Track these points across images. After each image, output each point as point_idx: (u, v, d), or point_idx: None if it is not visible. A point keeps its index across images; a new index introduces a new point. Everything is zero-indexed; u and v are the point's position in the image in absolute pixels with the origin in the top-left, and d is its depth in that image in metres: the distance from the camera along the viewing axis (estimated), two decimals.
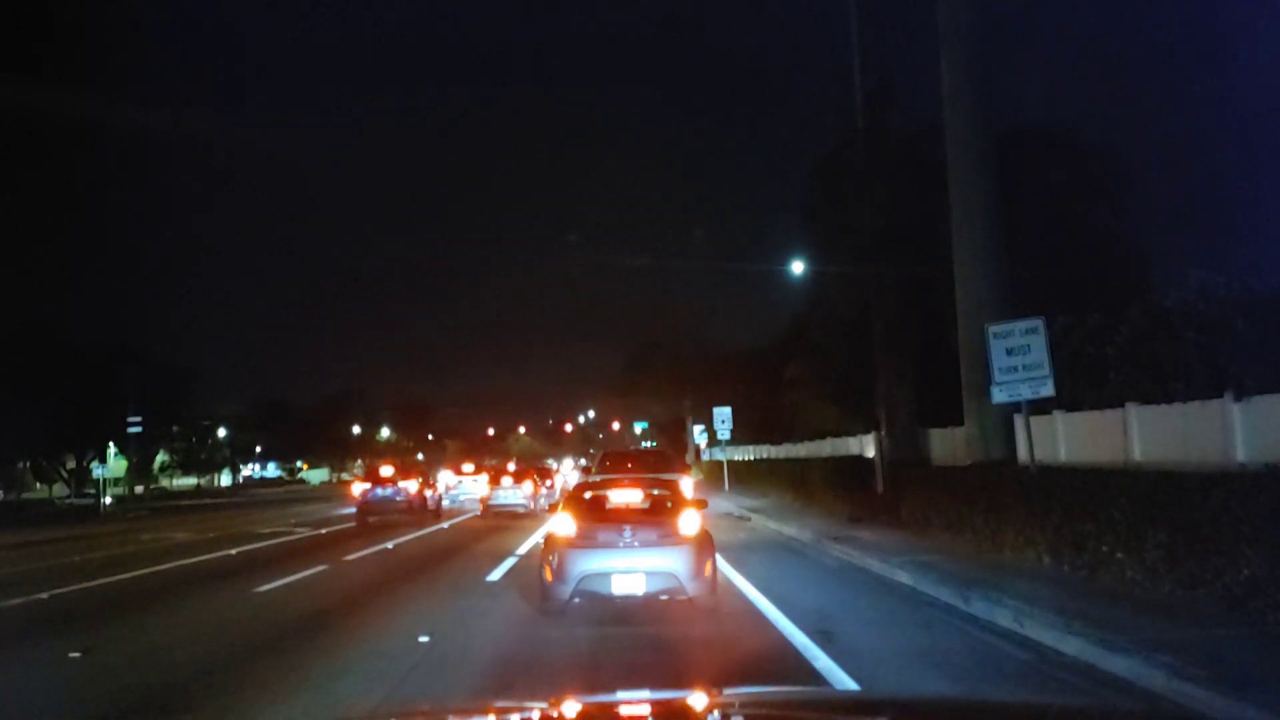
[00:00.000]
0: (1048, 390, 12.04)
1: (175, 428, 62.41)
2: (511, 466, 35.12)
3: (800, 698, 4.10)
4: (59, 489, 58.53)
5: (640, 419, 71.08)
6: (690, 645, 7.98)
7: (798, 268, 24.14)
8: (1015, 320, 12.48)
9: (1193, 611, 7.72)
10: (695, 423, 47.13)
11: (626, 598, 8.63)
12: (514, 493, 26.80)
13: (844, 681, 6.44)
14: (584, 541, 8.77)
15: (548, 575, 8.86)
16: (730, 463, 36.97)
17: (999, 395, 12.34)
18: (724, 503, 26.37)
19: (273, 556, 16.78)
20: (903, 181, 19.41)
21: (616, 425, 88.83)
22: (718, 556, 9.61)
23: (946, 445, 18.65)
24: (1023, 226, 16.56)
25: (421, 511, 25.16)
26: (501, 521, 23.30)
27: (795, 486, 26.31)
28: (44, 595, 12.18)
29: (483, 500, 26.84)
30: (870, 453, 22.41)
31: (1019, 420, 12.90)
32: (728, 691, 3.62)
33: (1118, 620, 7.41)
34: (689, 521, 8.93)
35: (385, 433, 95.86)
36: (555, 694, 3.53)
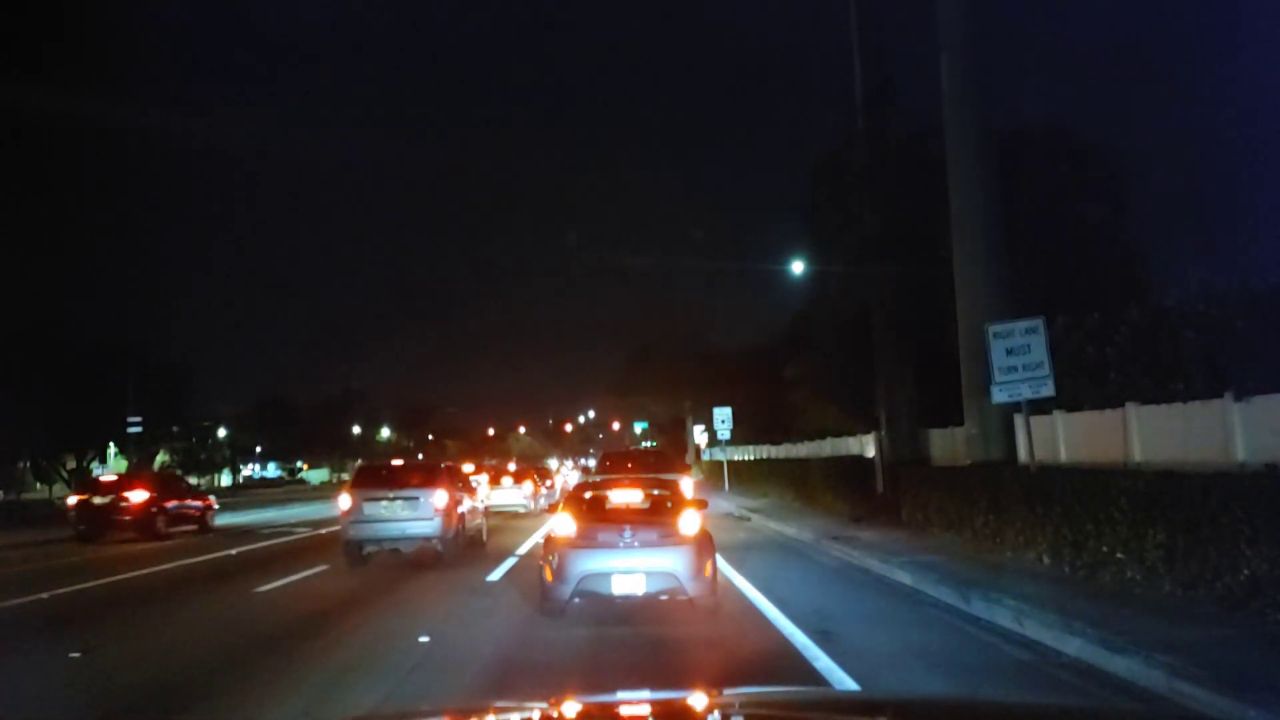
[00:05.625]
0: (1048, 390, 12.04)
1: (175, 428, 62.33)
2: (512, 466, 35.13)
3: (800, 698, 4.09)
4: (59, 489, 58.51)
5: (640, 419, 71.07)
6: (690, 645, 7.98)
7: (798, 268, 24.12)
8: (1015, 320, 12.48)
9: (1193, 611, 7.72)
10: (695, 423, 47.13)
11: (626, 598, 8.63)
12: (514, 493, 26.81)
13: (844, 681, 6.44)
14: (584, 541, 8.77)
15: (548, 575, 8.86)
16: (730, 463, 36.98)
17: (999, 395, 12.34)
18: (724, 503, 26.37)
19: (273, 556, 16.78)
20: (903, 181, 19.39)
21: (616, 425, 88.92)
22: (718, 556, 9.61)
23: (946, 445, 18.65)
24: (1023, 226, 16.55)
25: None
26: (502, 521, 23.28)
27: (795, 486, 26.32)
28: (44, 595, 12.18)
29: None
30: (870, 453, 22.40)
31: (1019, 420, 12.90)
32: (728, 691, 3.62)
33: (1118, 620, 7.41)
34: (689, 522, 8.93)
35: (385, 433, 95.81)
36: (555, 694, 3.52)
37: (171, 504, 23.13)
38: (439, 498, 14.41)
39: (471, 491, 17.42)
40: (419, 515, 14.23)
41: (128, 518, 21.58)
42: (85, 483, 25.66)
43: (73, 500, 23.19)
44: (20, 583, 13.51)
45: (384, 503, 14.31)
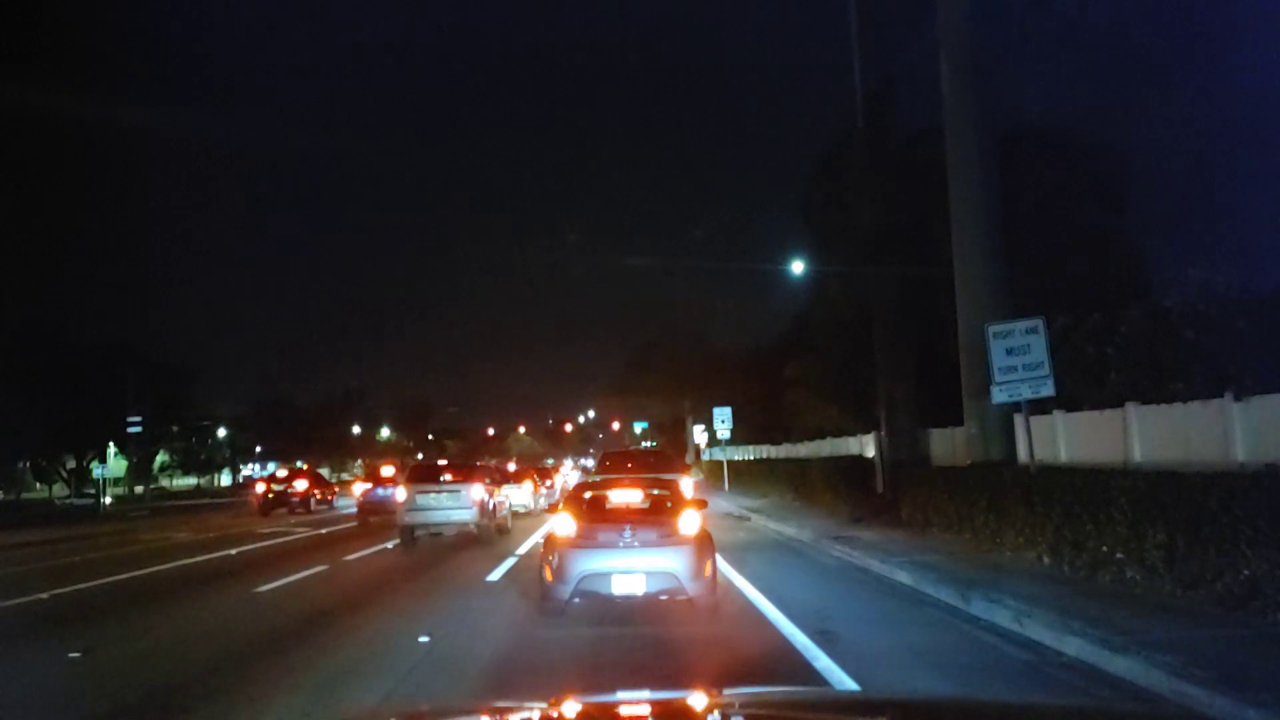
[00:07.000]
0: (1048, 390, 12.04)
1: (175, 428, 62.34)
2: (512, 466, 35.14)
3: (800, 698, 4.09)
4: (59, 489, 58.50)
5: (640, 419, 71.05)
6: (690, 645, 7.97)
7: (798, 268, 24.15)
8: (1015, 320, 12.49)
9: (1193, 611, 7.72)
10: (695, 423, 47.12)
11: (626, 598, 8.62)
12: (514, 492, 26.78)
13: (844, 681, 6.43)
14: (584, 541, 8.76)
15: (548, 575, 8.85)
16: (730, 462, 36.99)
17: (999, 395, 12.34)
18: (724, 502, 26.38)
19: (273, 556, 16.78)
20: (903, 181, 19.42)
21: (616, 425, 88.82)
22: (718, 556, 9.60)
23: (946, 445, 18.66)
24: (1022, 226, 16.55)
25: None
26: None
27: (795, 486, 26.32)
28: (44, 595, 12.18)
29: None
30: (870, 453, 22.42)
31: (1019, 420, 12.91)
32: (728, 691, 3.62)
33: (1118, 620, 7.41)
34: (689, 521, 8.92)
35: (385, 433, 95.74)
36: (555, 694, 3.53)
37: (317, 491, 34.10)
38: (476, 490, 17.13)
39: (500, 486, 20.05)
40: (460, 505, 16.96)
41: (294, 499, 32.15)
42: (268, 477, 37.17)
43: (260, 489, 33.63)
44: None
45: (432, 494, 17.05)
